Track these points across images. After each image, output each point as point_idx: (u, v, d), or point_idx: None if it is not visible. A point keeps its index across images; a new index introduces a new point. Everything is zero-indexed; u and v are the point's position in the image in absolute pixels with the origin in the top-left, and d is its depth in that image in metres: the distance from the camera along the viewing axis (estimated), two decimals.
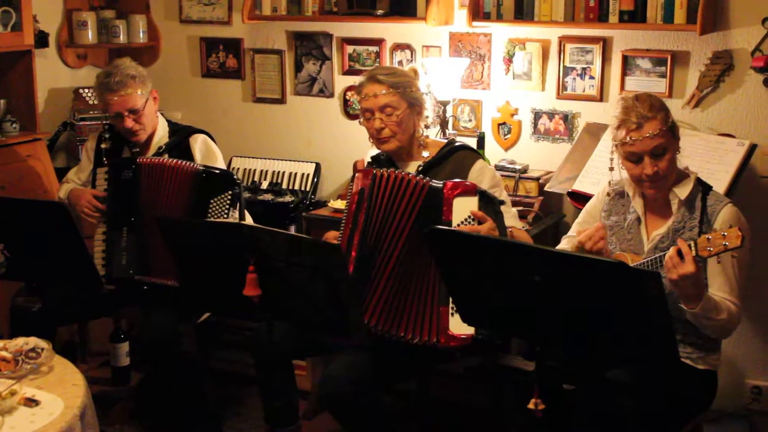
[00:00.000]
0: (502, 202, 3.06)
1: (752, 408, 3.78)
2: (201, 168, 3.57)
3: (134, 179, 3.61)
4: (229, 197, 3.51)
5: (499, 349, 3.09)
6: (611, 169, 2.91)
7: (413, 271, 2.97)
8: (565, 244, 3.11)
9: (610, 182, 3.02)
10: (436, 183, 2.97)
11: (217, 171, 3.62)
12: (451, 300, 2.84)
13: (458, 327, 2.83)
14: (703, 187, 2.88)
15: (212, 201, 3.51)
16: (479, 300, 2.57)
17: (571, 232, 3.14)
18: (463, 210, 2.91)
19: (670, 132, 2.80)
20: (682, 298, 2.66)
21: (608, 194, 3.05)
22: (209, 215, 3.49)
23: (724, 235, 2.52)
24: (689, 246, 2.57)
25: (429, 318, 2.92)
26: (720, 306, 2.71)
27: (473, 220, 2.91)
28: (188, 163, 3.60)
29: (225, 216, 3.50)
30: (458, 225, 2.90)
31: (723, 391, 2.94)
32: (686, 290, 2.63)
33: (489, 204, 2.95)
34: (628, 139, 2.79)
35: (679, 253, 2.57)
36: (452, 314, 2.86)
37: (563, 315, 2.36)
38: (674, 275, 2.58)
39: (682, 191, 2.86)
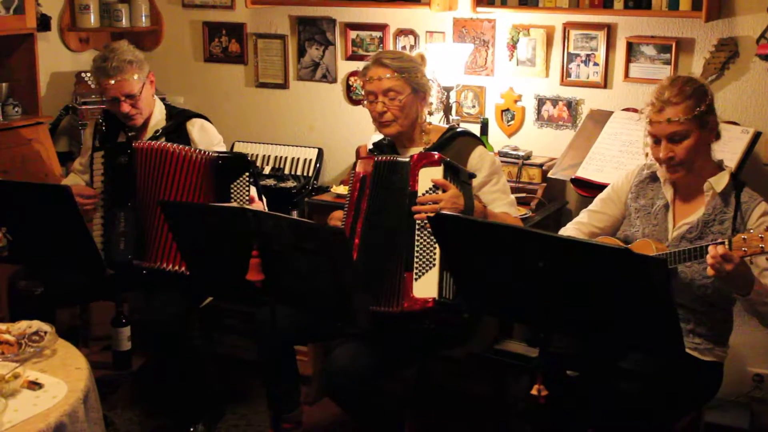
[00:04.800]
0: (473, 176, 3.09)
1: (754, 395, 3.78)
2: (215, 155, 3.55)
3: (130, 164, 3.59)
4: (248, 179, 3.52)
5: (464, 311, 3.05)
6: (646, 154, 2.88)
7: (386, 242, 3.01)
8: (572, 231, 3.06)
9: (645, 164, 2.98)
10: (403, 157, 3.05)
11: (231, 155, 3.64)
12: (416, 265, 2.89)
13: (420, 291, 2.87)
14: (736, 183, 2.82)
15: (232, 186, 3.50)
16: (483, 285, 2.57)
17: (593, 206, 3.08)
18: (427, 180, 2.97)
19: (696, 121, 2.73)
20: (733, 288, 2.61)
21: (640, 175, 2.99)
22: (231, 199, 3.49)
23: (761, 237, 2.47)
24: (723, 243, 2.51)
25: (398, 286, 2.94)
26: None
27: (436, 188, 2.95)
28: (200, 151, 3.56)
29: (246, 196, 3.50)
30: (423, 194, 2.95)
31: (725, 379, 2.93)
32: (736, 281, 2.56)
33: (455, 174, 3.00)
34: (649, 119, 2.79)
35: (724, 257, 2.49)
36: (416, 279, 2.89)
37: (567, 301, 2.35)
38: (724, 274, 2.51)
39: (719, 183, 2.80)
